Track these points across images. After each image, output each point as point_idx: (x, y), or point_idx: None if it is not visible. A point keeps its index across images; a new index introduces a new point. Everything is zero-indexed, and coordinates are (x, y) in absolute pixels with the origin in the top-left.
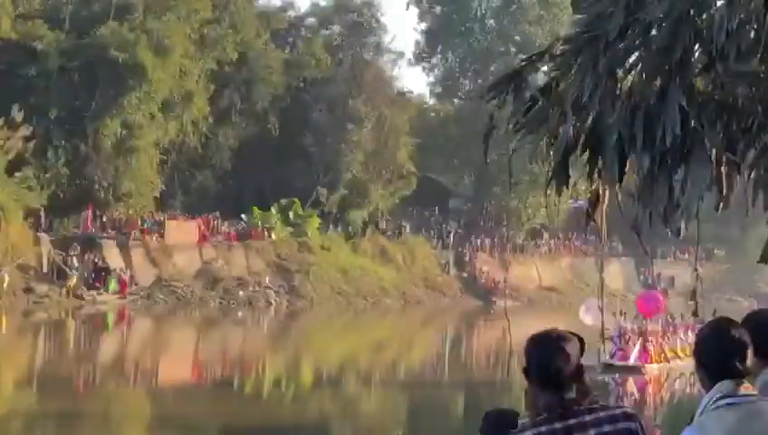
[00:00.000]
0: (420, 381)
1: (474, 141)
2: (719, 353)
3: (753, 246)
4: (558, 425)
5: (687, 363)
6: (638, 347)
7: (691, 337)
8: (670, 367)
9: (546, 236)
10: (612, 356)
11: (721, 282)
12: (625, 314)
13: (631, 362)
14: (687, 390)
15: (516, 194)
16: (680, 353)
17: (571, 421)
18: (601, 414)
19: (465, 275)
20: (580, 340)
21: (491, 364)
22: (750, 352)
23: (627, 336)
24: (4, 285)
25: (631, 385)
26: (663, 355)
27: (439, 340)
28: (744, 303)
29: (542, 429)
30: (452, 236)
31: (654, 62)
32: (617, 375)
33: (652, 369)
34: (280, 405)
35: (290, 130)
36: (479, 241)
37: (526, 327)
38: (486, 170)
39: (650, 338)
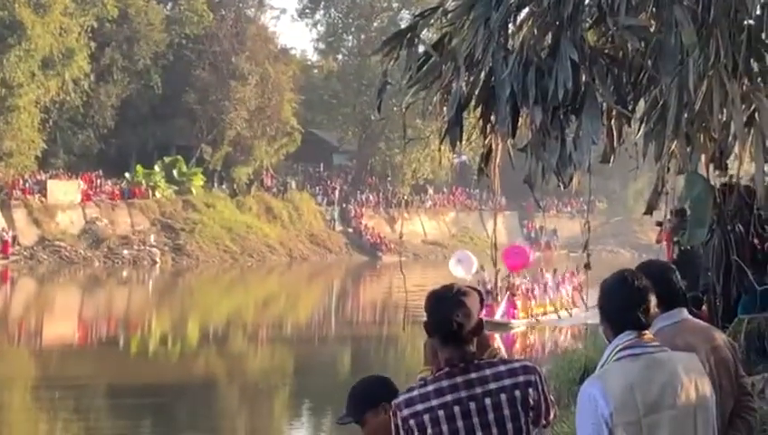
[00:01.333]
0: (307, 336)
1: (357, 97)
2: (622, 305)
3: (632, 199)
4: (459, 379)
5: (556, 318)
6: (504, 303)
7: (564, 292)
8: (538, 322)
9: (431, 191)
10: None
11: (602, 234)
12: (499, 269)
13: (497, 317)
14: (556, 344)
15: (401, 150)
16: (549, 308)
17: (473, 375)
18: (501, 368)
19: (350, 230)
20: (480, 294)
21: (377, 318)
22: (653, 303)
23: (494, 292)
24: None
25: (498, 342)
26: (531, 310)
27: (326, 295)
28: (626, 254)
29: (444, 383)
30: (337, 192)
31: (545, 17)
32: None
33: (519, 324)
34: (166, 363)
35: (173, 87)
36: (364, 197)
37: (413, 281)
38: (370, 126)
39: (517, 293)
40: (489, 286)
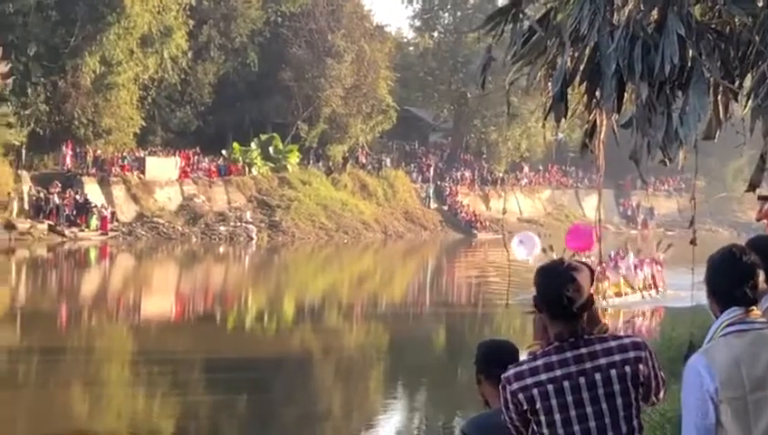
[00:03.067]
0: (402, 312)
1: (453, 75)
2: (729, 280)
3: (731, 177)
4: (569, 354)
5: (632, 300)
6: None
7: (642, 272)
8: (609, 304)
9: (526, 168)
10: None
11: (701, 212)
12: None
13: None
14: (634, 327)
15: (496, 127)
16: (625, 289)
17: (582, 350)
18: (612, 343)
19: (445, 208)
20: (590, 270)
21: (473, 295)
22: (762, 278)
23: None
24: None
25: None
26: (604, 292)
27: (421, 272)
28: (725, 233)
29: (553, 358)
30: (432, 169)
31: None
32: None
33: None
34: (263, 339)
35: (269, 64)
36: (459, 174)
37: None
38: (466, 104)
39: None
40: None
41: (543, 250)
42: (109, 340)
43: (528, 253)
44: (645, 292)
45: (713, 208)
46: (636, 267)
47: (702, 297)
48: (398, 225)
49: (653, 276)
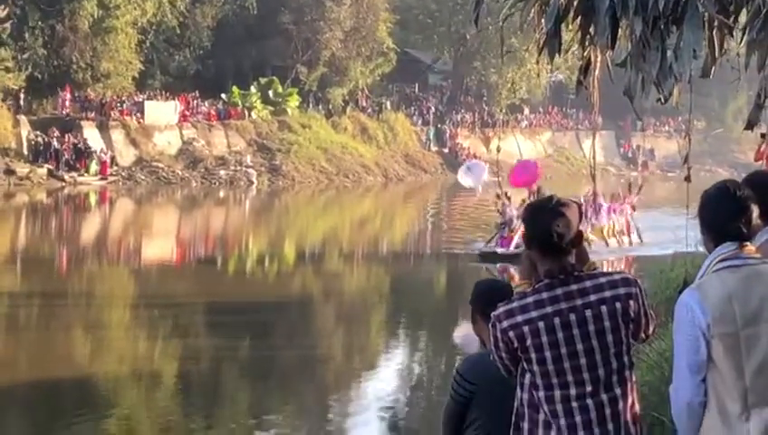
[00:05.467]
0: (403, 255)
1: (453, 16)
2: (723, 215)
3: (731, 117)
4: (559, 291)
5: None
6: (519, 232)
7: (612, 220)
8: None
9: (526, 111)
10: (497, 243)
11: (700, 152)
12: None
13: (512, 249)
14: None
15: (496, 69)
16: (592, 237)
17: (573, 287)
18: (602, 280)
19: (445, 151)
20: (579, 206)
21: (473, 237)
22: (755, 214)
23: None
24: None
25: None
26: None
27: (421, 215)
28: (724, 173)
29: (544, 295)
30: (432, 112)
31: None
32: (496, 265)
33: None
34: (263, 282)
35: (268, 7)
36: (459, 117)
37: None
38: (466, 46)
39: None
40: (514, 213)
41: (498, 196)
42: (109, 284)
43: (476, 181)
44: (615, 238)
45: (713, 149)
46: (609, 212)
47: (681, 245)
48: (399, 168)
49: (627, 222)
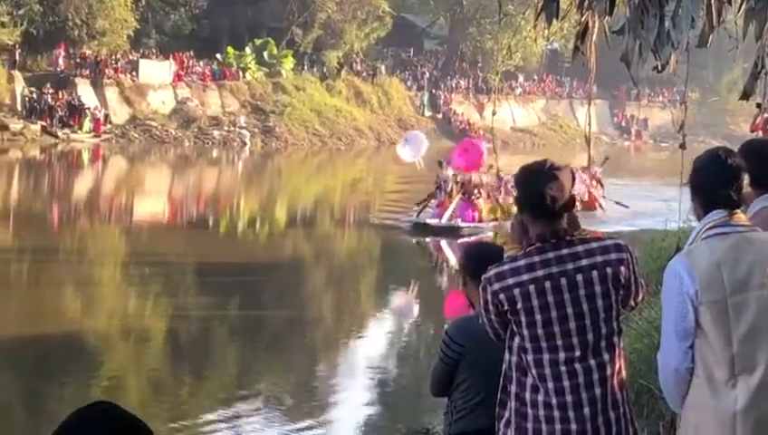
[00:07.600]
0: (393, 218)
1: None
2: (713, 182)
3: (726, 89)
4: (551, 254)
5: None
6: (454, 203)
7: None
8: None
9: (521, 78)
10: (433, 213)
11: (694, 124)
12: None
13: (443, 221)
14: None
15: (492, 35)
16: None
17: (564, 251)
18: (593, 244)
19: (439, 116)
20: (572, 171)
21: None
22: (746, 181)
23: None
24: None
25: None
26: (501, 211)
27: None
28: (718, 145)
29: (535, 258)
30: (426, 77)
31: None
32: (428, 239)
33: (481, 230)
34: (254, 243)
35: None
36: (454, 83)
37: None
38: (462, 11)
39: (482, 191)
40: (449, 174)
41: (440, 163)
42: (100, 241)
43: (414, 154)
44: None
45: (706, 120)
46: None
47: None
48: (392, 132)
49: (589, 194)
